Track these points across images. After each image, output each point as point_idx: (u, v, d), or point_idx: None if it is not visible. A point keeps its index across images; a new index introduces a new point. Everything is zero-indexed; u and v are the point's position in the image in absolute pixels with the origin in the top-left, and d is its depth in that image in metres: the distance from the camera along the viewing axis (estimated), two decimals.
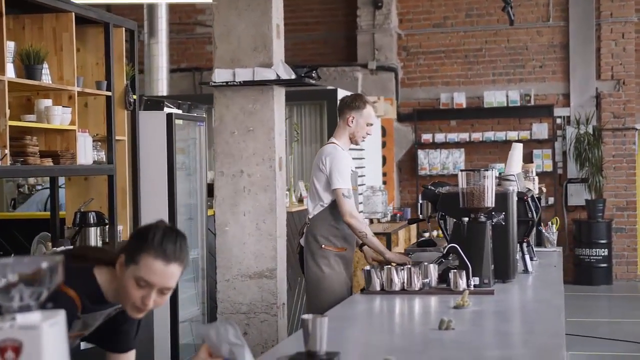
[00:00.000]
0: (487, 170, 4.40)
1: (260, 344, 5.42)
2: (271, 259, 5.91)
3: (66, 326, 2.06)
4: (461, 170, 4.43)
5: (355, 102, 5.30)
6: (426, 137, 12.77)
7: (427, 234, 12.01)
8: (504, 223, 4.47)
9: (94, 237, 5.56)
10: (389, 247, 9.05)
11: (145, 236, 2.53)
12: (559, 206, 12.46)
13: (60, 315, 1.83)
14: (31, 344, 1.75)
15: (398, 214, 11.38)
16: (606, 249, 12.08)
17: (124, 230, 5.92)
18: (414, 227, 11.28)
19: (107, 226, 5.65)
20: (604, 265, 12.09)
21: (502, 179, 5.16)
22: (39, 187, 8.51)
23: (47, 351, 1.76)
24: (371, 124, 5.31)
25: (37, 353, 1.75)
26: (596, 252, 12.05)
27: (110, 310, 2.70)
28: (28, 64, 4.91)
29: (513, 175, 5.16)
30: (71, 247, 5.21)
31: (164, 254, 2.50)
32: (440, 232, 12.28)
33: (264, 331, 5.51)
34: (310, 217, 5.28)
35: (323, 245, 5.17)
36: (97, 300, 2.62)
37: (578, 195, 12.40)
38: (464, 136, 12.64)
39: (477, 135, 12.60)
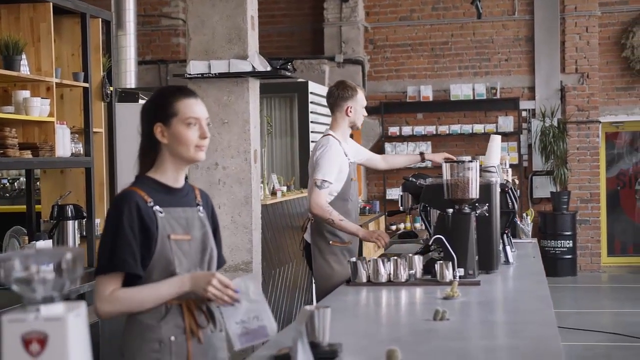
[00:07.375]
0: (472, 161, 4.41)
1: None
2: (247, 252, 5.89)
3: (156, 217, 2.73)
4: (445, 161, 4.45)
5: (348, 91, 5.34)
6: (393, 129, 12.81)
7: (402, 226, 12.08)
8: (487, 214, 4.50)
9: (72, 230, 5.48)
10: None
11: (164, 95, 2.86)
12: (525, 198, 12.58)
13: (82, 307, 1.81)
14: (56, 336, 1.74)
15: (367, 207, 11.41)
16: (571, 241, 12.23)
17: (101, 224, 5.86)
18: (382, 219, 11.32)
19: (84, 219, 5.58)
20: (569, 256, 12.25)
21: (482, 170, 5.18)
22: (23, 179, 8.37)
23: (72, 342, 1.75)
24: (365, 105, 5.46)
25: (62, 344, 1.74)
26: (561, 243, 12.20)
27: (189, 210, 2.87)
28: (7, 55, 4.83)
29: (494, 166, 5.19)
30: None
31: (188, 93, 2.87)
32: (410, 224, 12.33)
33: None
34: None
35: (331, 242, 5.13)
36: (160, 189, 2.83)
37: (543, 188, 12.53)
38: (431, 129, 12.69)
39: (443, 128, 12.66)
